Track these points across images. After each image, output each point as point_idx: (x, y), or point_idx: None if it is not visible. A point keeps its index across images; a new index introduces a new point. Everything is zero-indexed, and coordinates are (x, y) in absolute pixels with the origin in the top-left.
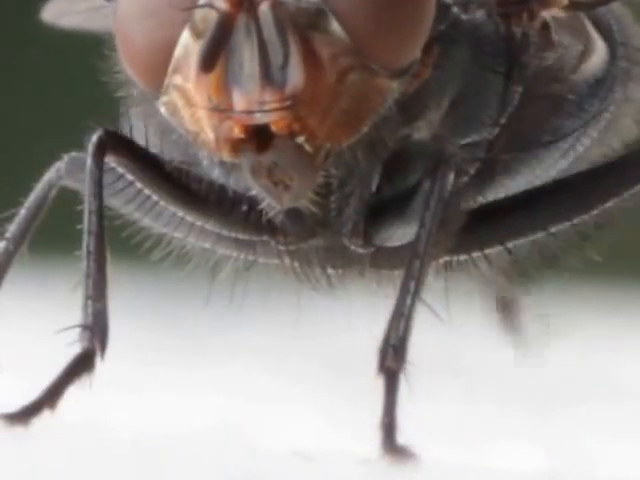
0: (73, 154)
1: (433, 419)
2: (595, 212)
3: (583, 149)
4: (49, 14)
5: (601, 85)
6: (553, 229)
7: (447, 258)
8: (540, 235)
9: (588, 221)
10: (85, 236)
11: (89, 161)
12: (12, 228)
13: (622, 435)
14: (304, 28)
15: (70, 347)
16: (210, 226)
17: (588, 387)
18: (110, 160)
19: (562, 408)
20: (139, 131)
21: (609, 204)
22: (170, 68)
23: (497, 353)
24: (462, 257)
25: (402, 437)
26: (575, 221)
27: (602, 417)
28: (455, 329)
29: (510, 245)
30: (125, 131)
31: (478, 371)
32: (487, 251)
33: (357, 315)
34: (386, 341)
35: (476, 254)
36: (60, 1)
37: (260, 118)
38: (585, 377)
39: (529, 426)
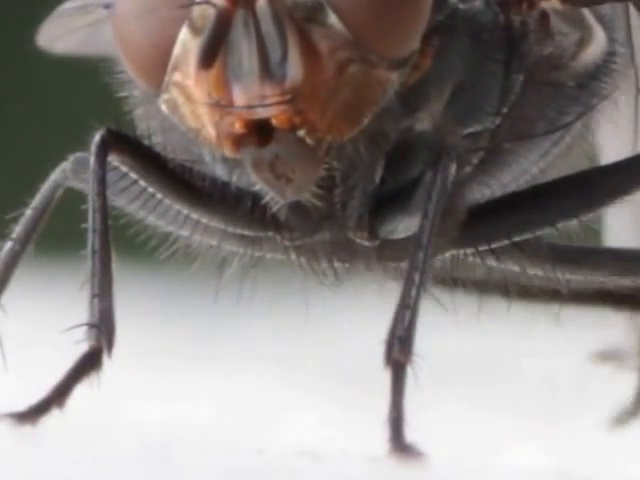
0: (78, 154)
1: (442, 421)
2: (602, 209)
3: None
4: (44, 37)
5: (602, 72)
6: (560, 224)
7: (454, 252)
8: (547, 230)
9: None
10: (90, 235)
11: (92, 160)
12: (18, 229)
13: (632, 440)
14: (302, 22)
15: (77, 346)
16: (215, 223)
17: (596, 392)
18: (113, 159)
19: (573, 411)
20: (142, 130)
21: (617, 201)
22: (169, 66)
23: (507, 358)
24: (469, 250)
25: (410, 433)
26: (582, 217)
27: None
28: (465, 332)
29: (517, 239)
30: (129, 130)
31: (489, 375)
32: (494, 245)
33: (360, 319)
34: (392, 333)
35: (483, 248)
36: (55, 21)
37: (260, 113)
38: (592, 382)
39: (540, 429)
